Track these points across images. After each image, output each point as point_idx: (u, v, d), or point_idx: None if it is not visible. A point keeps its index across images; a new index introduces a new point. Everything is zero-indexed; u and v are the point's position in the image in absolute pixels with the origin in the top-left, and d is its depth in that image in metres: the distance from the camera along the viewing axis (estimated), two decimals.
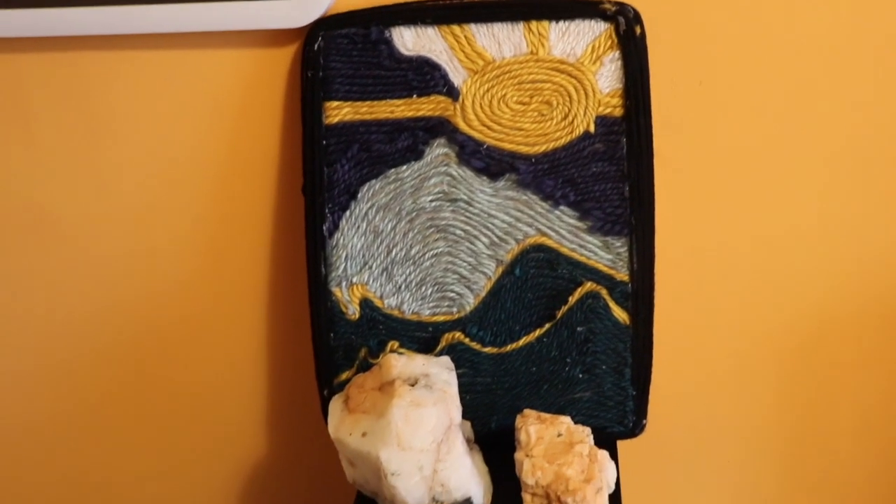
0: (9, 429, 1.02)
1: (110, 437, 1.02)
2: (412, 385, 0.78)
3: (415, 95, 0.83)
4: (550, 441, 0.77)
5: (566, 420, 0.79)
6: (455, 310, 0.86)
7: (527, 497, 0.75)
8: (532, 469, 0.75)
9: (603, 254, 0.84)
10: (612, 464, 0.77)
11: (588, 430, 0.78)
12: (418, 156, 0.84)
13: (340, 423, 0.80)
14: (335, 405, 0.82)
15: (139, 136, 0.90)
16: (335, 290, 0.86)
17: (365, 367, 0.86)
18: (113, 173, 0.92)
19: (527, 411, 0.80)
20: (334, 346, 0.87)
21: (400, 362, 0.80)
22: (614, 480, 0.77)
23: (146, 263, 0.94)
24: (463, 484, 0.76)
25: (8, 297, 0.97)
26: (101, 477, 1.05)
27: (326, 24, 0.83)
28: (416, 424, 0.76)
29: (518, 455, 0.77)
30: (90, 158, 0.92)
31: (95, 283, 0.96)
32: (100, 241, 0.94)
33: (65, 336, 0.98)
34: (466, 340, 0.86)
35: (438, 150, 0.84)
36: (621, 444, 0.86)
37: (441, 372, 0.80)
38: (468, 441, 0.82)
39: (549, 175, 0.83)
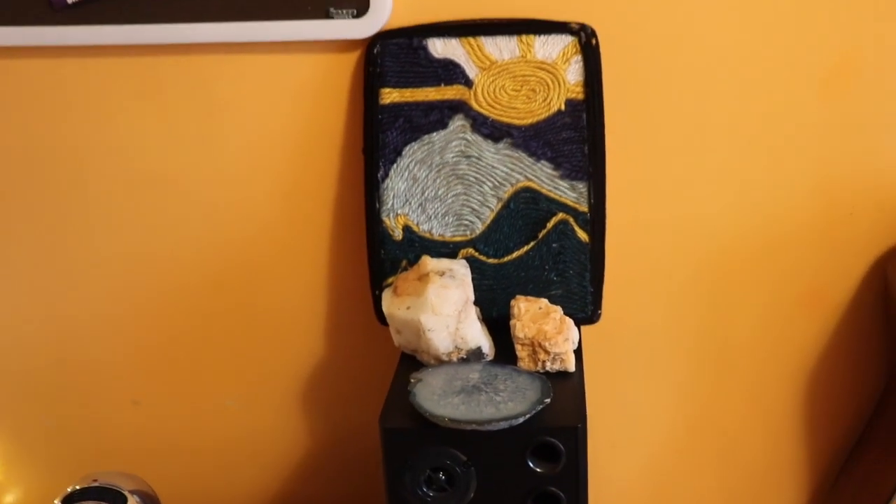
0: (115, 349, 1.38)
1: (200, 333, 1.38)
2: (440, 275, 1.15)
3: (442, 84, 1.21)
4: (534, 312, 1.14)
5: (544, 300, 1.16)
6: (468, 233, 1.23)
7: (518, 347, 1.12)
8: (522, 327, 1.11)
9: (570, 193, 1.21)
10: (576, 328, 1.14)
11: (560, 307, 1.16)
12: (444, 126, 1.21)
13: (391, 303, 1.16)
14: (386, 294, 1.19)
15: (243, 115, 1.27)
16: (385, 219, 1.23)
17: None
18: (222, 143, 1.28)
19: (518, 296, 1.17)
20: (384, 259, 1.24)
21: (432, 261, 1.17)
22: (577, 339, 1.13)
23: (244, 208, 1.30)
24: (475, 338, 1.13)
25: (126, 243, 1.33)
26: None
27: (382, 36, 1.20)
28: (444, 298, 1.12)
29: (512, 322, 1.13)
30: (204, 135, 1.28)
31: (203, 226, 1.32)
32: (208, 193, 1.30)
33: (172, 270, 1.34)
34: (476, 254, 1.23)
35: (458, 122, 1.21)
36: (584, 329, 1.22)
37: (460, 268, 1.17)
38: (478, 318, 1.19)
39: (533, 139, 1.20)
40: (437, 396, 1.03)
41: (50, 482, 1.48)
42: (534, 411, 0.99)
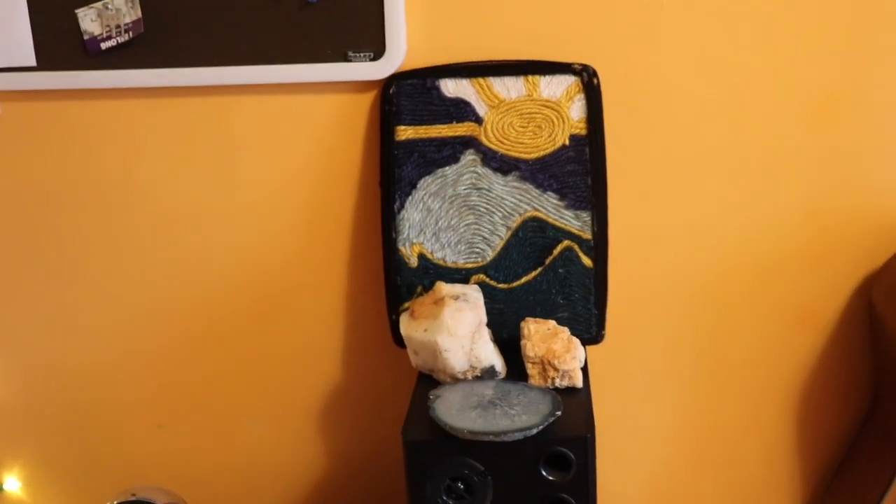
0: (153, 350, 1.46)
1: (224, 360, 1.45)
2: (455, 299, 1.23)
3: (454, 122, 1.29)
4: (543, 332, 1.22)
5: (553, 322, 1.24)
6: (480, 260, 1.31)
7: (528, 365, 1.20)
8: (532, 346, 1.19)
9: (575, 222, 1.29)
10: (583, 348, 1.22)
11: (567, 329, 1.24)
12: (456, 160, 1.30)
13: (408, 326, 1.24)
14: (404, 317, 1.27)
15: (266, 152, 1.35)
16: (401, 247, 1.31)
17: None
18: (245, 178, 1.37)
19: (528, 318, 1.25)
20: (400, 285, 1.32)
21: (447, 286, 1.26)
22: (584, 358, 1.22)
23: (265, 240, 1.38)
24: (489, 357, 1.20)
25: (151, 275, 1.41)
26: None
27: (398, 77, 1.29)
28: (458, 321, 1.20)
29: (522, 342, 1.21)
30: (228, 170, 1.37)
31: (227, 257, 1.40)
32: (232, 226, 1.39)
33: (196, 299, 1.42)
34: (487, 280, 1.31)
35: (469, 156, 1.30)
36: (588, 349, 1.30)
37: (473, 292, 1.25)
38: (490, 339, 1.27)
39: (540, 172, 1.29)
40: (455, 411, 1.10)
41: (74, 503, 1.54)
42: (546, 423, 1.07)
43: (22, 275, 1.43)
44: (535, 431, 1.06)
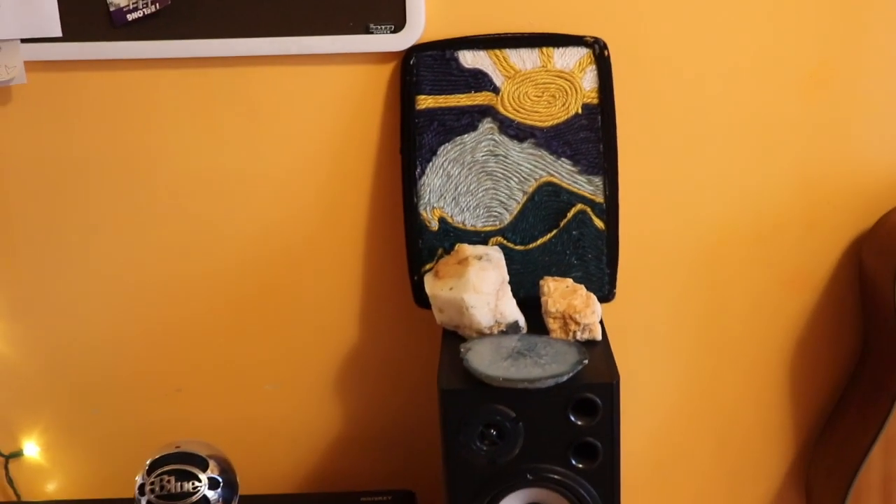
0: (182, 315, 1.50)
1: (244, 323, 1.50)
2: (479, 259, 1.30)
3: (472, 91, 1.36)
4: (562, 290, 1.28)
5: (570, 280, 1.31)
6: (497, 223, 1.38)
7: (550, 320, 1.26)
8: (553, 303, 1.26)
9: (588, 186, 1.37)
10: (599, 304, 1.29)
11: (583, 286, 1.31)
12: (474, 128, 1.36)
13: (433, 285, 1.30)
14: (428, 277, 1.33)
15: (290, 121, 1.40)
16: (422, 212, 1.37)
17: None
18: (270, 145, 1.42)
19: (546, 277, 1.32)
20: (422, 248, 1.38)
21: (469, 247, 1.32)
22: (600, 312, 1.29)
23: (289, 206, 1.44)
24: (512, 313, 1.27)
25: (172, 240, 1.46)
26: (234, 356, 1.53)
27: (418, 49, 1.35)
28: (483, 279, 1.27)
29: (543, 298, 1.28)
30: (254, 138, 1.41)
31: (249, 222, 1.45)
32: (256, 192, 1.43)
33: (218, 263, 1.47)
34: (505, 242, 1.38)
35: (487, 124, 1.36)
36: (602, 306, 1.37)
37: (495, 252, 1.32)
38: None
39: (554, 139, 1.36)
40: (487, 361, 1.17)
41: (92, 468, 1.58)
42: (576, 370, 1.14)
43: (46, 242, 1.46)
44: (565, 378, 1.13)
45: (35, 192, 1.44)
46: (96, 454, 1.57)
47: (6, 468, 1.56)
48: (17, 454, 1.56)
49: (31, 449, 1.57)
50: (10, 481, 1.56)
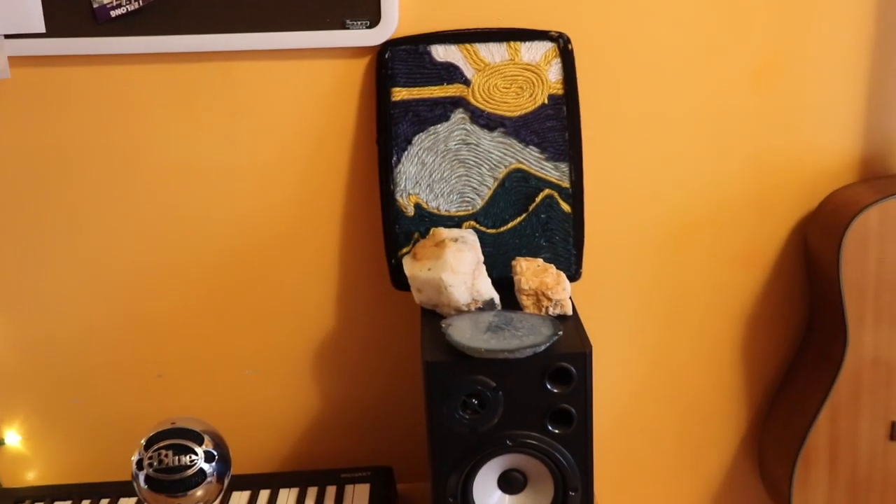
0: (168, 303, 1.55)
1: (224, 310, 1.55)
2: (455, 241, 1.37)
3: (444, 84, 1.43)
4: (534, 268, 1.36)
5: (540, 259, 1.39)
6: (470, 208, 1.45)
7: (523, 297, 1.34)
8: (526, 280, 1.34)
9: (555, 172, 1.45)
10: (568, 282, 1.37)
11: (553, 265, 1.39)
12: (447, 118, 1.43)
13: (412, 266, 1.37)
14: (406, 260, 1.40)
15: (269, 113, 1.46)
16: (399, 198, 1.44)
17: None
18: (249, 138, 1.47)
19: (518, 258, 1.40)
20: (398, 232, 1.45)
21: (446, 231, 1.39)
22: (570, 289, 1.37)
23: (268, 196, 1.49)
24: (488, 291, 1.35)
25: (151, 228, 1.50)
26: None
27: (392, 43, 1.42)
28: (460, 259, 1.34)
29: (516, 277, 1.36)
30: (233, 130, 1.47)
31: (230, 211, 1.50)
32: (235, 182, 1.49)
33: (198, 251, 1.52)
34: (477, 225, 1.45)
35: (459, 115, 1.44)
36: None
37: (470, 235, 1.39)
38: None
39: (522, 128, 1.44)
40: (468, 335, 1.24)
41: (73, 456, 1.62)
42: (552, 341, 1.22)
43: (27, 233, 1.50)
44: (543, 348, 1.21)
45: (18, 185, 1.48)
46: (77, 442, 1.61)
47: None
48: None
49: (13, 438, 1.60)
50: None
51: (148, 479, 1.21)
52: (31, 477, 1.62)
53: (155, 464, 1.21)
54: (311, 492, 1.47)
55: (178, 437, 1.23)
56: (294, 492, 1.47)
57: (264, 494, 1.46)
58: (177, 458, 1.21)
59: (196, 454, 1.22)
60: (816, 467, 1.53)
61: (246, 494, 1.46)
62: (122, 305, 1.54)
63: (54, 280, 1.52)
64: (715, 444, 1.66)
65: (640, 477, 1.69)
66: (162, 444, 1.22)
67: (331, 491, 1.46)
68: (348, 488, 1.47)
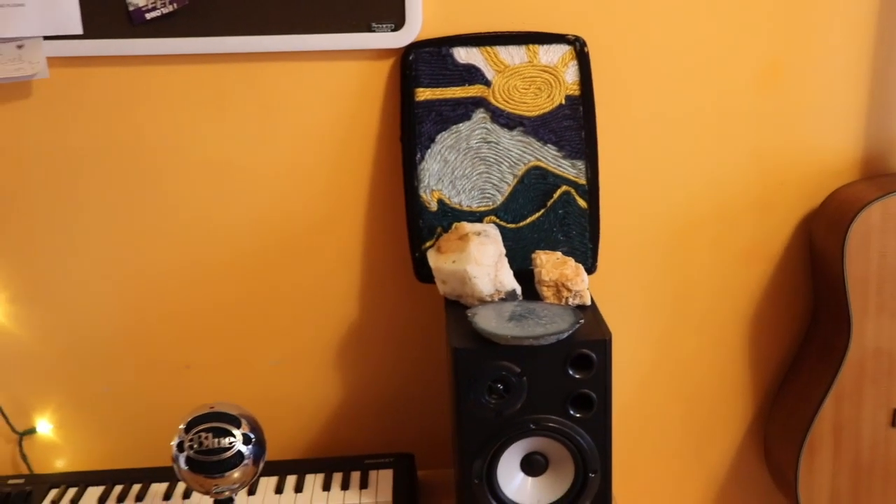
0: (202, 299, 1.61)
1: (251, 302, 1.61)
2: (478, 235, 1.43)
3: (466, 84, 1.49)
4: (553, 261, 1.43)
5: (559, 252, 1.45)
6: (491, 203, 1.51)
7: (543, 288, 1.40)
8: (546, 273, 1.40)
9: (571, 170, 1.51)
10: (586, 274, 1.43)
11: (571, 258, 1.45)
12: (468, 118, 1.50)
13: (437, 259, 1.43)
14: (431, 253, 1.46)
15: (297, 113, 1.52)
16: (422, 194, 1.50)
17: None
18: (278, 136, 1.53)
19: (537, 251, 1.46)
20: (422, 227, 1.51)
21: (469, 224, 1.46)
22: (588, 281, 1.43)
23: (296, 193, 1.55)
24: (510, 282, 1.41)
25: (183, 224, 1.56)
26: (242, 333, 1.63)
27: (416, 46, 1.48)
28: (484, 252, 1.40)
29: (536, 270, 1.42)
30: (264, 128, 1.53)
31: (259, 206, 1.56)
32: (264, 179, 1.54)
33: (227, 244, 1.58)
34: (497, 220, 1.51)
35: (480, 114, 1.50)
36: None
37: (492, 229, 1.46)
38: None
39: (541, 127, 1.50)
40: (494, 323, 1.30)
41: (103, 444, 1.67)
42: (574, 328, 1.28)
43: (65, 227, 1.55)
44: (566, 335, 1.27)
45: (54, 181, 1.53)
46: (107, 431, 1.66)
47: (20, 444, 1.64)
48: (31, 431, 1.64)
49: (44, 426, 1.65)
50: (24, 457, 1.64)
51: (189, 460, 1.26)
52: (61, 465, 1.67)
53: (196, 446, 1.26)
54: (337, 477, 1.52)
55: (217, 421, 1.28)
56: (320, 477, 1.52)
57: (291, 480, 1.52)
58: (216, 440, 1.26)
59: (234, 437, 1.27)
60: (821, 454, 1.59)
61: (273, 480, 1.52)
62: (152, 299, 1.60)
63: (87, 274, 1.58)
64: (721, 431, 1.73)
65: (648, 464, 1.75)
66: (202, 426, 1.27)
67: (355, 476, 1.52)
68: (372, 474, 1.53)
